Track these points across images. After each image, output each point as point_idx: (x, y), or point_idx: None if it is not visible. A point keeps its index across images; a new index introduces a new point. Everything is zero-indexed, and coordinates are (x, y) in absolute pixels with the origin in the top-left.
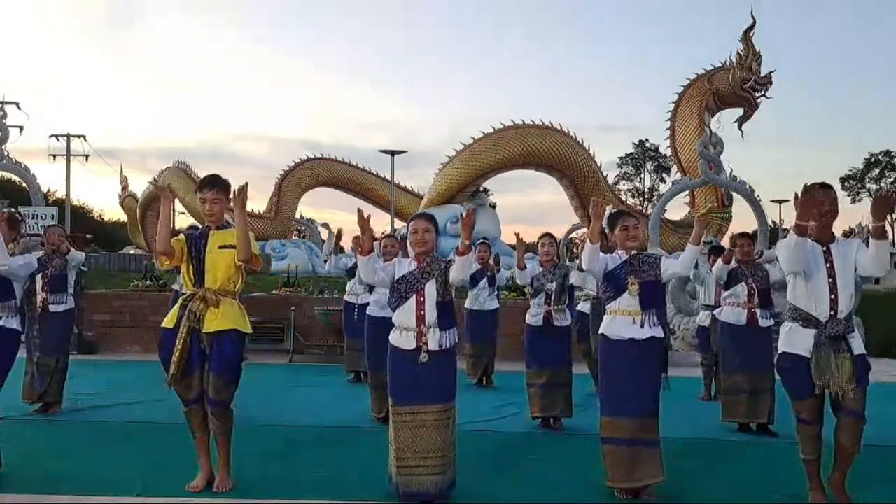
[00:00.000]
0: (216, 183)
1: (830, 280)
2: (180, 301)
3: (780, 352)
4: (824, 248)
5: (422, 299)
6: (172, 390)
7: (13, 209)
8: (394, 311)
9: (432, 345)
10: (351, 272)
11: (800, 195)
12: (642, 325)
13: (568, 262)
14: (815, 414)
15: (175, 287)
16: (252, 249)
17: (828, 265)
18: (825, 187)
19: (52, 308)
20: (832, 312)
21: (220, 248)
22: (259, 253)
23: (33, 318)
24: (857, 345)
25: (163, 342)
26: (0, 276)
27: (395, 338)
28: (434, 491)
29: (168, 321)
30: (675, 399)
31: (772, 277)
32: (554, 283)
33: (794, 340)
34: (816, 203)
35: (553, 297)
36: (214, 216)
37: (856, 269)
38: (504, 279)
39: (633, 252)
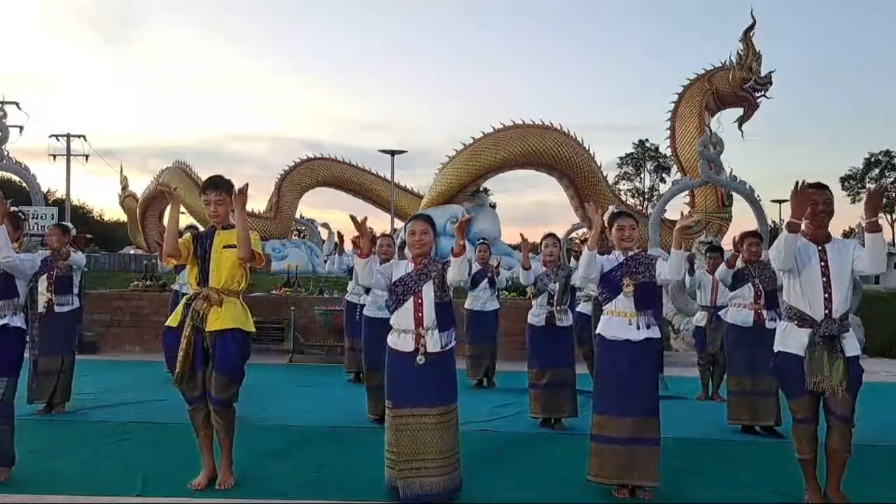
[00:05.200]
0: (219, 184)
1: (825, 279)
2: (184, 300)
3: (775, 350)
4: (819, 248)
5: (420, 301)
6: (176, 389)
7: (17, 208)
8: (391, 313)
9: (431, 346)
10: (353, 272)
11: (794, 193)
12: (638, 327)
13: (571, 264)
14: (810, 412)
15: (175, 287)
16: (253, 247)
17: (822, 264)
18: (821, 187)
19: (57, 308)
20: (826, 311)
21: (224, 247)
22: (262, 251)
23: (34, 319)
24: (852, 346)
25: (167, 341)
26: (3, 274)
27: (392, 340)
28: (437, 491)
29: (172, 320)
30: (674, 398)
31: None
32: (557, 284)
33: (789, 339)
34: (810, 201)
35: (556, 298)
36: (219, 217)
37: (853, 269)
38: (504, 280)
39: (631, 253)
